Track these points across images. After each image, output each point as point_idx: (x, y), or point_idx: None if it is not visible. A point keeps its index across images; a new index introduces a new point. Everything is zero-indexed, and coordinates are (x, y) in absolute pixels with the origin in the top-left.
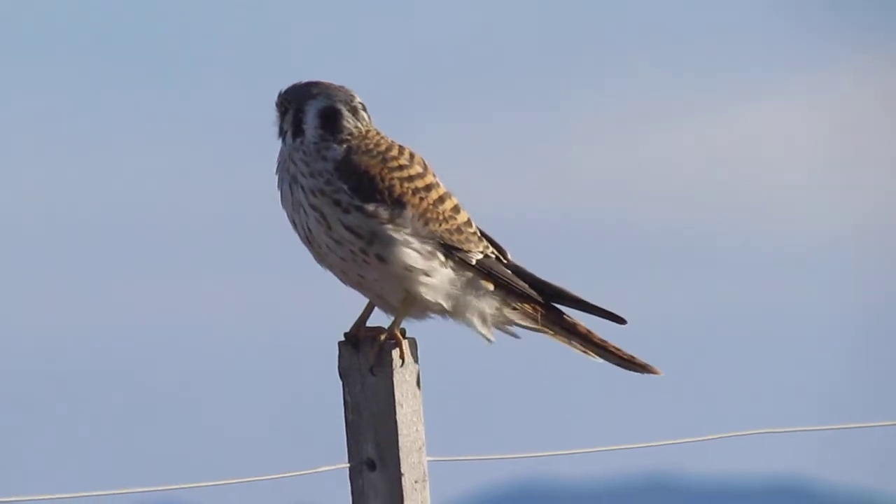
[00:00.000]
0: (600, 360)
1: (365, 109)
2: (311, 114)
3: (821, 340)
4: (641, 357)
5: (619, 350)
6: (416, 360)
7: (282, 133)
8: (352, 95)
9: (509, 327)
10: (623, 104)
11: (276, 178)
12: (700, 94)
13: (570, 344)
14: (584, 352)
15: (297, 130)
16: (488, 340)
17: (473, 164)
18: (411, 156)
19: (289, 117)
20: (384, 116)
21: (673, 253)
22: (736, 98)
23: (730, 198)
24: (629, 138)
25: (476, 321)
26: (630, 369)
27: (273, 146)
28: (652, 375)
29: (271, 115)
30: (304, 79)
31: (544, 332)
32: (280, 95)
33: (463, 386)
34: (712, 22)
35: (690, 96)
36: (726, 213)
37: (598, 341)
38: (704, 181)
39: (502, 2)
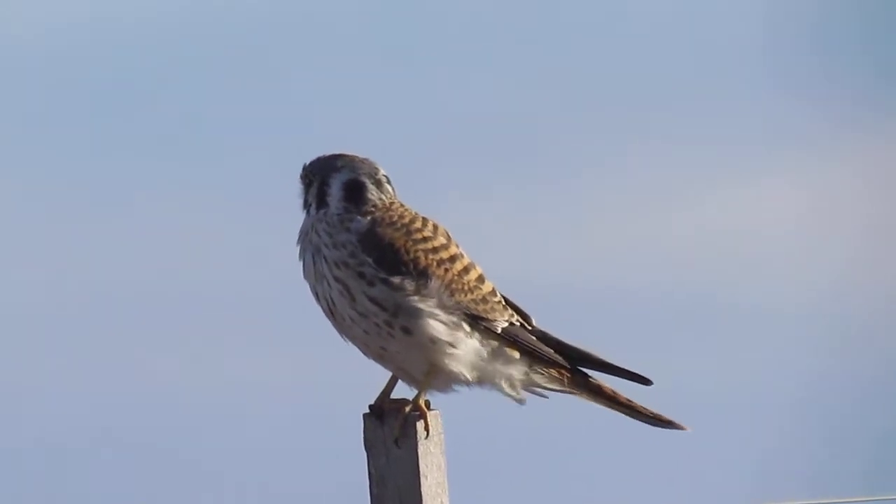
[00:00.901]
0: (627, 417)
1: (389, 182)
2: (336, 186)
3: (851, 409)
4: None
5: (645, 409)
6: (440, 431)
7: (306, 205)
8: (376, 168)
9: (537, 389)
10: (647, 174)
11: (298, 249)
12: (725, 166)
13: (596, 402)
14: (611, 409)
15: (321, 203)
16: (519, 402)
17: (496, 232)
18: (435, 227)
19: (313, 190)
20: (407, 186)
21: (696, 320)
22: (760, 171)
23: (753, 268)
24: (653, 207)
25: (504, 386)
26: (657, 426)
27: (295, 218)
28: (680, 432)
29: (295, 187)
30: (329, 151)
31: (571, 394)
32: (304, 168)
33: (487, 457)
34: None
35: (715, 168)
36: (748, 280)
37: (625, 401)
38: (726, 251)
39: (524, 71)
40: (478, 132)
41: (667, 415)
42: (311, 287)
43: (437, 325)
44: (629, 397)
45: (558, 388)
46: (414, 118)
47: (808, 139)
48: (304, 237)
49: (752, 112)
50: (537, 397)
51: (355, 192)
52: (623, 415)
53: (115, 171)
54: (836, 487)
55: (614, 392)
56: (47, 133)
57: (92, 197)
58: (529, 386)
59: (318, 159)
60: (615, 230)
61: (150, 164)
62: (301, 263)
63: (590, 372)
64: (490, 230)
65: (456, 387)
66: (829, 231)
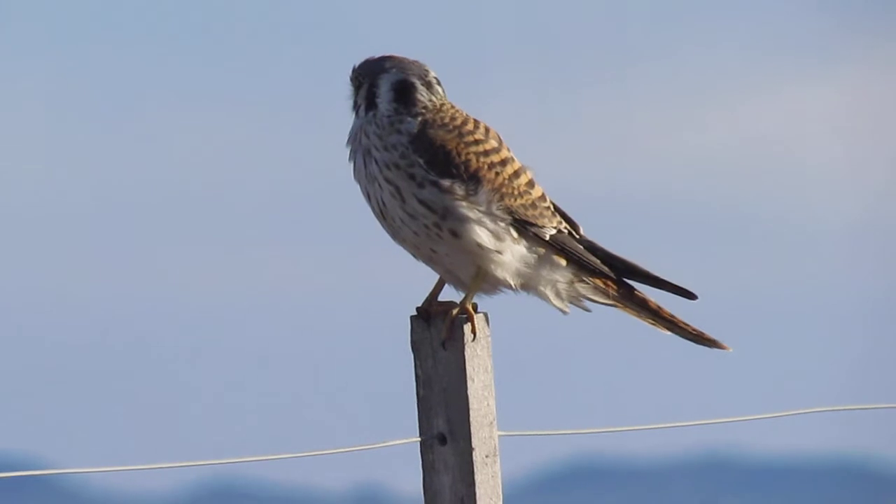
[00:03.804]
0: (669, 333)
1: (439, 83)
2: (385, 87)
3: (887, 320)
4: (711, 333)
5: (687, 325)
6: (487, 334)
7: (355, 107)
8: (426, 70)
9: (581, 301)
10: (691, 81)
11: (348, 151)
12: (771, 76)
13: (640, 316)
14: (654, 324)
15: (371, 104)
16: (563, 312)
17: (545, 138)
18: (486, 130)
19: (363, 91)
20: (454, 88)
21: (744, 230)
22: (805, 80)
23: (798, 176)
24: (697, 114)
25: (550, 294)
26: (699, 343)
27: (345, 121)
28: (720, 351)
29: (345, 89)
30: (378, 53)
31: (615, 307)
32: (354, 70)
33: (535, 360)
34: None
35: (761, 77)
36: (795, 190)
37: (668, 316)
38: (769, 160)
39: None
40: (525, 39)
41: (709, 333)
42: (362, 189)
43: (483, 233)
44: (673, 313)
45: (602, 299)
46: (461, 24)
47: (855, 50)
48: (354, 139)
49: (799, 22)
50: (579, 312)
51: (405, 94)
52: (666, 330)
53: (157, 75)
54: (876, 396)
55: (658, 307)
56: (84, 37)
57: (138, 102)
58: (574, 297)
59: (367, 61)
60: (661, 140)
61: (199, 69)
62: (351, 165)
63: (635, 284)
64: (539, 134)
65: (503, 290)
66: (875, 142)
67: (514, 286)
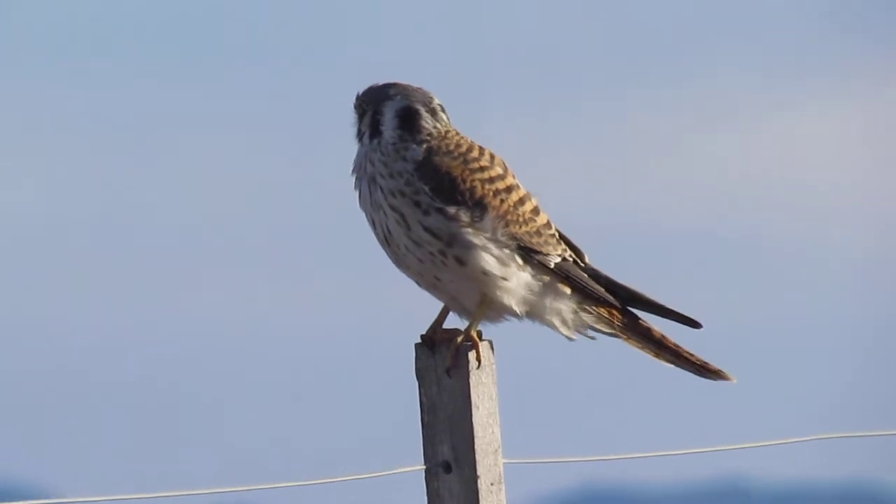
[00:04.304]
0: (671, 366)
1: (444, 110)
2: (389, 114)
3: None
4: (716, 361)
5: (692, 356)
6: (492, 362)
7: (359, 135)
8: (430, 97)
9: (586, 330)
10: (697, 107)
11: (353, 178)
12: (772, 97)
13: (643, 349)
14: (657, 356)
15: (375, 132)
16: (569, 339)
17: (549, 165)
18: (492, 157)
19: (367, 119)
20: (458, 115)
21: (749, 257)
22: (806, 101)
23: (802, 202)
24: (703, 141)
25: (556, 321)
26: (703, 376)
27: (349, 148)
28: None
29: (349, 116)
30: (382, 80)
31: (618, 337)
32: (358, 97)
33: (539, 388)
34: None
35: (761, 98)
36: (799, 217)
37: (672, 346)
38: (775, 185)
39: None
40: (528, 66)
41: (714, 362)
42: (367, 216)
43: (489, 259)
44: (677, 342)
45: (606, 328)
46: (464, 50)
47: (866, 73)
48: (359, 167)
49: (811, 45)
50: (584, 339)
51: (409, 120)
52: (669, 364)
53: (160, 104)
54: (890, 422)
55: (663, 336)
56: (107, 71)
57: (144, 130)
58: (578, 325)
59: (371, 88)
60: (665, 168)
61: (200, 98)
62: (357, 193)
63: (639, 313)
64: (543, 161)
65: (508, 317)
66: (886, 169)
67: (519, 313)
